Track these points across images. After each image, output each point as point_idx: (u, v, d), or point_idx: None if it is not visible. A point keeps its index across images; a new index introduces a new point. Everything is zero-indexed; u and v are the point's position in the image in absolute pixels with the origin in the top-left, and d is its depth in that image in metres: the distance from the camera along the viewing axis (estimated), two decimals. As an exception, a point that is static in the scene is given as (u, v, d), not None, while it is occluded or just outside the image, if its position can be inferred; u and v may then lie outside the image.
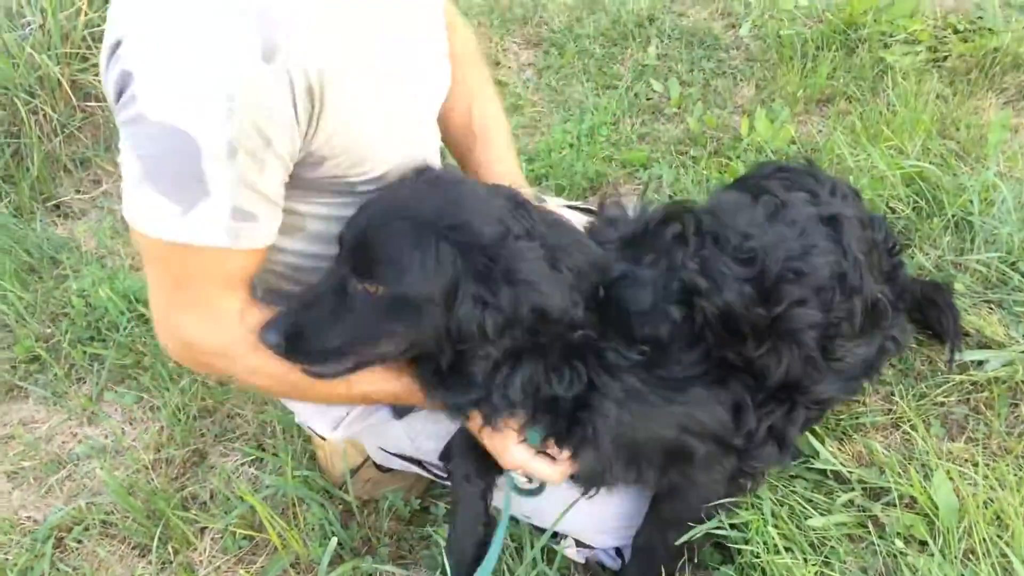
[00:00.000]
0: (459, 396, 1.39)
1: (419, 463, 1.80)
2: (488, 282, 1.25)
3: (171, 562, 1.90)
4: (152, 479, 2.03)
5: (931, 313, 2.05)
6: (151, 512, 1.95)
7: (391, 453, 1.81)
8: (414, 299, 1.27)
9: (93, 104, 2.93)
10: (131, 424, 2.18)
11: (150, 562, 1.90)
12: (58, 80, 2.83)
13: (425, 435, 1.73)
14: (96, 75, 2.91)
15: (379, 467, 1.96)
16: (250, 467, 2.06)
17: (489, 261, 1.25)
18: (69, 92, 2.86)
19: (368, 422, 1.70)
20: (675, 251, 1.45)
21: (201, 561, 1.90)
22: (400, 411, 1.68)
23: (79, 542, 1.94)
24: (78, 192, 2.82)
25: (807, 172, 1.80)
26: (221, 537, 1.93)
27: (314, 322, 1.32)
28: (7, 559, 1.90)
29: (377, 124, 1.35)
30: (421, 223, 1.27)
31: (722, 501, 1.63)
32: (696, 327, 1.42)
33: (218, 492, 2.00)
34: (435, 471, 1.79)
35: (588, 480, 1.57)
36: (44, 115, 2.81)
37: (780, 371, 1.50)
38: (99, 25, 2.92)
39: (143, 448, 2.10)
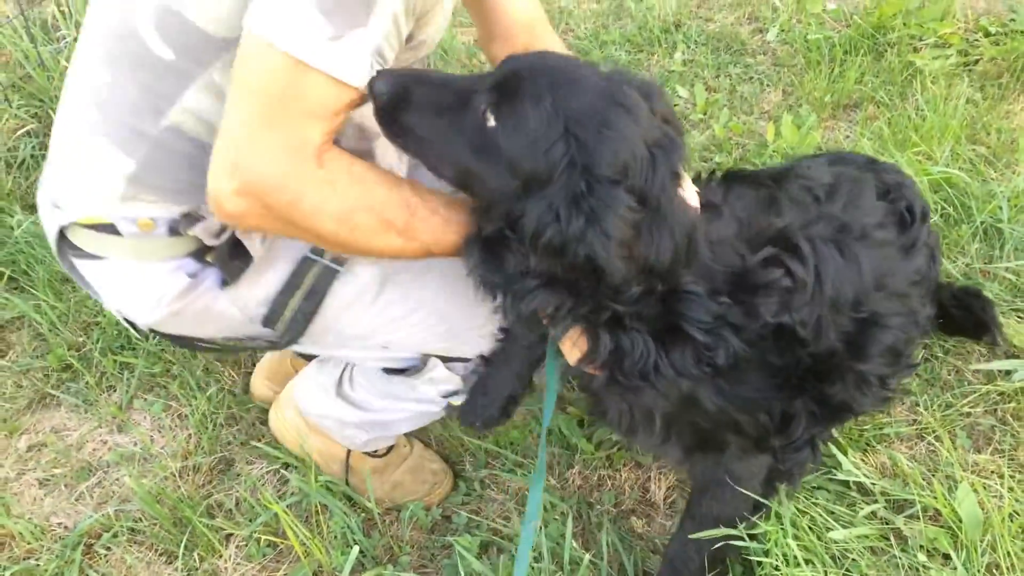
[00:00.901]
0: (485, 271, 1.33)
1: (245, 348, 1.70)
2: (572, 204, 1.17)
3: (197, 569, 1.92)
4: (179, 487, 2.06)
5: (975, 304, 2.02)
6: (178, 519, 1.98)
7: (224, 341, 1.65)
8: (507, 156, 1.22)
9: (126, 116, 2.99)
10: (159, 432, 2.21)
11: (177, 569, 1.92)
12: (92, 92, 2.89)
13: (256, 302, 1.56)
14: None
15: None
16: (275, 475, 2.08)
17: (587, 189, 1.17)
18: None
19: (190, 298, 1.51)
20: (770, 297, 1.36)
21: (226, 568, 1.92)
22: (231, 274, 1.52)
23: (108, 549, 1.97)
24: (111, 202, 2.87)
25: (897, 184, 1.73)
26: (246, 544, 1.95)
27: (420, 101, 1.27)
28: (38, 565, 1.94)
29: None
30: (567, 111, 1.20)
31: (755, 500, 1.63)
32: (783, 365, 1.42)
33: (243, 500, 2.03)
34: (258, 344, 1.66)
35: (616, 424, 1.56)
36: (79, 127, 2.87)
37: (840, 399, 1.52)
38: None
39: (171, 456, 2.13)
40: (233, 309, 1.54)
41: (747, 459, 1.55)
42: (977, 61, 2.94)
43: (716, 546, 1.63)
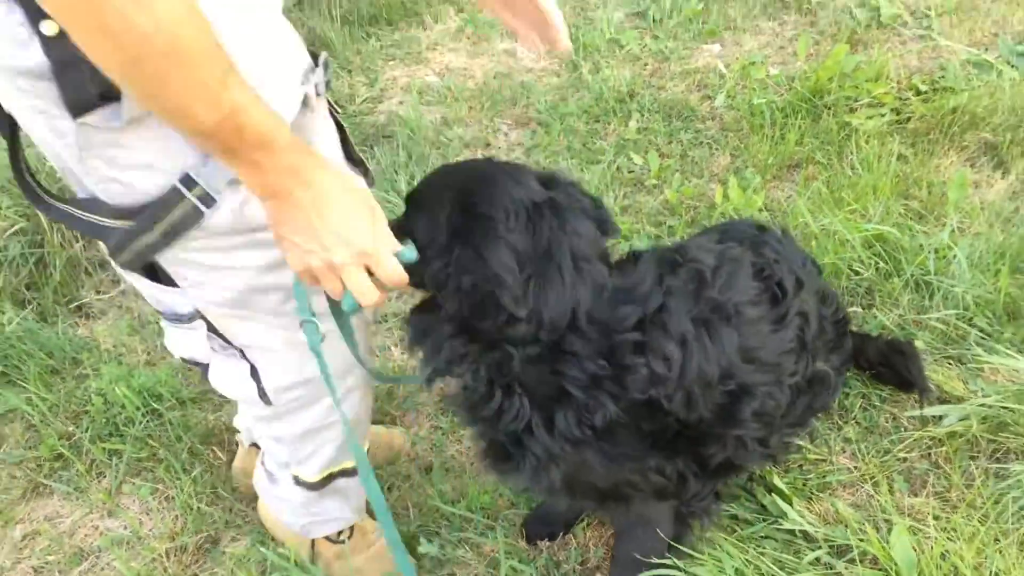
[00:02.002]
0: (419, 327, 1.52)
1: None
2: (455, 238, 1.39)
3: (187, 650, 2.02)
4: (166, 567, 2.16)
5: (898, 362, 2.17)
6: (167, 600, 2.08)
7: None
8: (419, 244, 1.41)
9: (109, 210, 3.14)
10: (147, 515, 2.32)
11: (168, 648, 2.02)
12: (76, 190, 3.04)
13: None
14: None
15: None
16: (258, 552, 2.18)
17: (467, 223, 1.39)
18: (87, 201, 3.07)
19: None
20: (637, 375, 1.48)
21: (214, 644, 2.02)
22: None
23: (103, 631, 2.07)
24: (98, 293, 3.00)
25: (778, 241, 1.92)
26: (232, 621, 2.06)
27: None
28: (35, 650, 2.04)
29: None
30: (454, 185, 1.46)
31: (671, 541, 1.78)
32: (652, 430, 1.55)
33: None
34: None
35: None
36: (64, 223, 3.02)
37: (721, 459, 1.67)
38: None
39: (157, 538, 2.23)
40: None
41: (653, 505, 1.69)
42: (909, 119, 3.11)
43: None
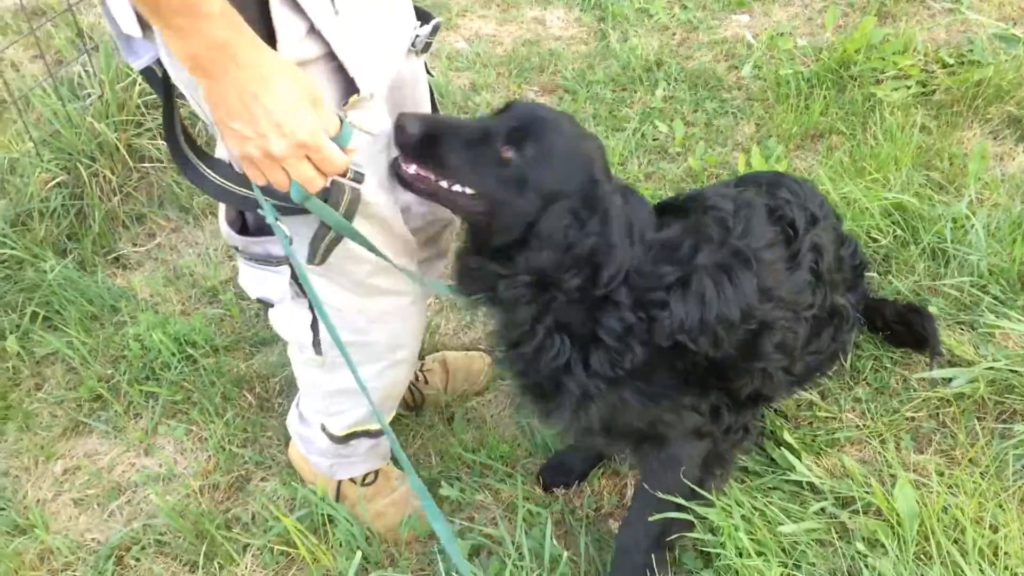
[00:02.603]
0: (492, 267, 1.63)
1: None
2: (589, 208, 1.54)
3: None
4: (200, 503, 2.27)
5: (914, 320, 2.24)
6: (199, 532, 2.17)
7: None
8: (534, 182, 1.55)
9: (147, 165, 3.23)
10: (182, 454, 2.43)
11: (199, 578, 2.13)
12: (116, 145, 3.13)
13: None
14: (151, 138, 3.23)
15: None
16: (286, 490, 2.28)
17: (594, 198, 1.55)
18: (126, 156, 3.17)
19: None
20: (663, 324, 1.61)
21: (243, 575, 2.13)
22: None
23: (137, 560, 2.17)
24: (135, 246, 3.11)
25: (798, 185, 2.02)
26: (261, 553, 2.15)
27: (450, 140, 1.57)
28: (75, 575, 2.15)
29: None
30: (575, 144, 1.61)
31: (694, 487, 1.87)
32: (683, 367, 1.67)
33: (257, 513, 2.23)
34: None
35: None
36: (104, 177, 3.11)
37: (750, 391, 1.78)
38: (151, 94, 3.23)
39: (192, 475, 2.34)
40: None
41: (687, 445, 1.80)
42: (934, 91, 3.14)
43: (662, 530, 1.87)
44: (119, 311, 2.79)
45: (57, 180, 3.01)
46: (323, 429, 2.02)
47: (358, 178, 1.42)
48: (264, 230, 1.62)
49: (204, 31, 1.17)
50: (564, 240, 1.54)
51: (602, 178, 1.59)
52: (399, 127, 1.54)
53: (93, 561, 2.17)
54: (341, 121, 1.36)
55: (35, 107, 3.26)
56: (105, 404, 2.54)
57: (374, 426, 2.01)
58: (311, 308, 1.73)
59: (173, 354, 2.59)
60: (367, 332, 1.75)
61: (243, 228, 1.67)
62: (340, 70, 1.40)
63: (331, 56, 1.37)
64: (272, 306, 1.79)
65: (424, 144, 1.56)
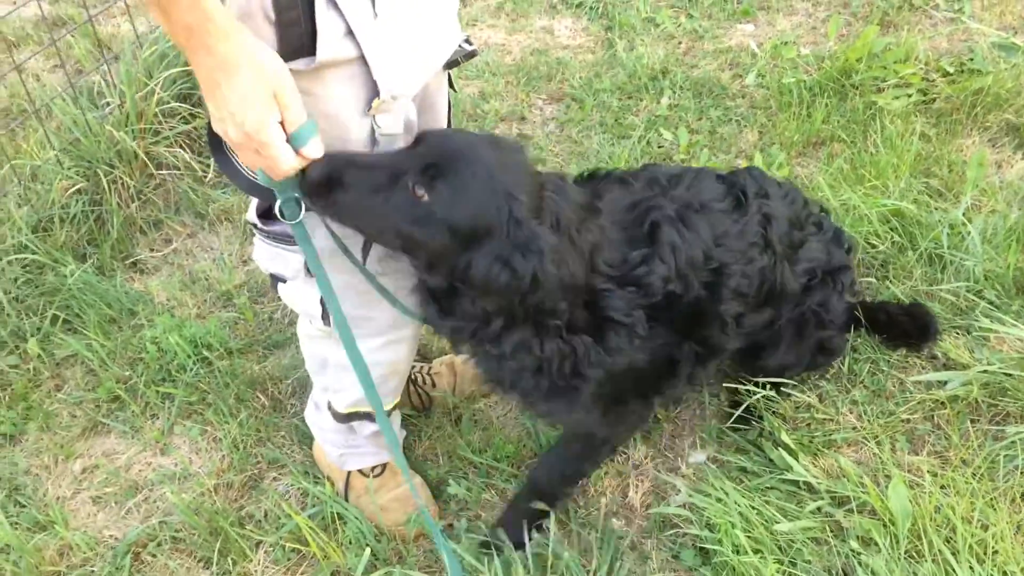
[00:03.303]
0: (448, 323, 1.68)
1: None
2: (517, 249, 1.48)
3: (231, 572, 2.18)
4: (214, 501, 2.33)
5: (916, 312, 2.34)
6: (213, 529, 2.23)
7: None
8: (447, 223, 1.49)
9: (164, 173, 3.31)
10: (197, 454, 2.50)
11: (213, 573, 2.18)
12: (134, 153, 3.22)
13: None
14: (167, 146, 3.31)
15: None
16: (297, 489, 2.35)
17: (523, 234, 1.49)
18: (144, 163, 3.25)
19: None
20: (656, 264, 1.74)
21: (256, 571, 2.18)
22: None
23: (153, 556, 2.24)
24: (152, 251, 3.19)
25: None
26: (273, 550, 2.21)
27: (353, 183, 1.50)
28: (93, 571, 2.21)
29: None
30: (493, 178, 1.51)
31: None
32: (672, 316, 1.78)
33: (270, 511, 2.30)
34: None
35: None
36: (122, 184, 3.19)
37: (714, 341, 1.93)
38: (169, 103, 3.32)
39: (207, 474, 2.41)
40: None
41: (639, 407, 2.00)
42: (934, 100, 3.18)
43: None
44: (136, 314, 2.87)
45: (77, 187, 3.09)
46: (329, 407, 2.11)
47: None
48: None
49: (173, 15, 1.23)
50: (499, 285, 1.50)
51: (521, 214, 1.49)
52: (303, 172, 1.49)
53: (111, 557, 2.24)
54: (308, 121, 1.39)
55: (56, 116, 3.35)
56: (123, 405, 2.62)
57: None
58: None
59: (189, 356, 2.66)
60: (369, 307, 1.82)
61: (266, 211, 1.76)
62: (366, 71, 1.48)
63: (365, 58, 1.46)
64: (283, 281, 1.86)
65: (325, 189, 1.50)
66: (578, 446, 2.06)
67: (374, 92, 1.51)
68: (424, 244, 1.55)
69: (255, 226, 1.79)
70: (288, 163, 1.40)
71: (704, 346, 1.90)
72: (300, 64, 1.42)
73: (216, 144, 1.56)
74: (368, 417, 2.10)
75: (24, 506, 2.37)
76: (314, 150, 1.42)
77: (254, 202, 1.77)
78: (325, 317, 1.86)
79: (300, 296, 1.87)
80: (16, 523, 2.31)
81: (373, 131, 1.56)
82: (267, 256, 1.83)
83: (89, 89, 3.45)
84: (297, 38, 1.40)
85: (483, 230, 1.50)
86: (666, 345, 1.81)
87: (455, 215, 1.50)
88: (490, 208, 1.49)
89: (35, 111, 3.20)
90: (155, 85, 3.28)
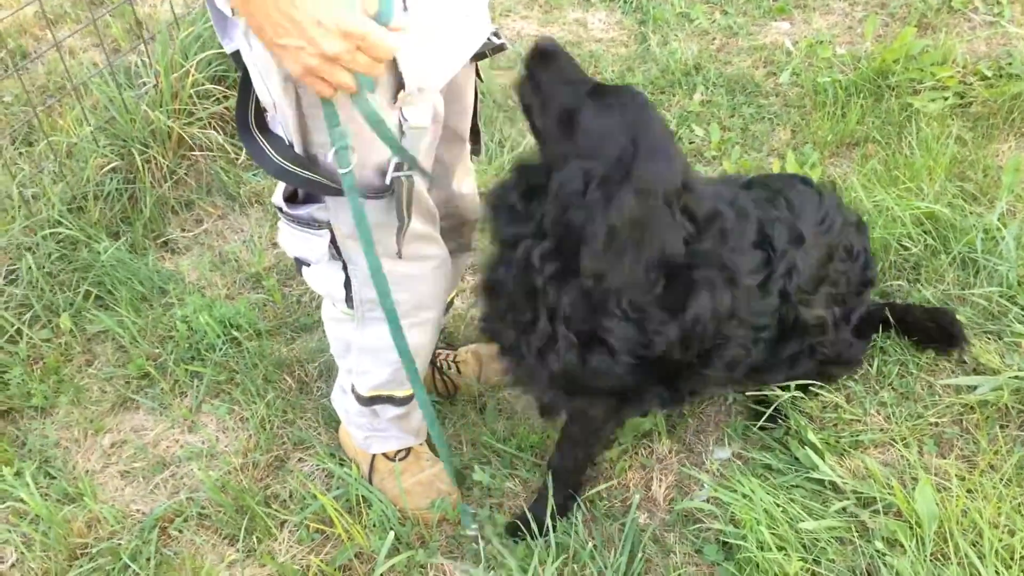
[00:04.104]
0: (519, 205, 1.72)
1: None
2: (602, 183, 1.55)
3: (255, 550, 2.20)
4: (240, 479, 2.36)
5: (942, 319, 2.31)
6: (239, 507, 2.26)
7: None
8: (580, 130, 1.59)
9: (197, 153, 3.34)
10: (224, 432, 2.53)
11: (238, 550, 2.20)
12: (168, 133, 3.25)
13: None
14: (201, 127, 3.34)
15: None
16: (322, 471, 2.37)
17: (618, 181, 1.55)
18: (178, 143, 3.28)
19: None
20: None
21: (280, 550, 2.21)
22: None
23: (179, 531, 2.26)
24: (183, 231, 3.22)
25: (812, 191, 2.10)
26: (297, 530, 2.23)
27: (562, 68, 1.68)
28: (120, 544, 2.24)
29: None
30: (637, 129, 1.59)
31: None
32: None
33: (295, 491, 2.32)
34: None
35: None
36: (156, 164, 3.22)
37: (688, 389, 1.98)
38: (203, 84, 3.35)
39: (233, 453, 2.44)
40: None
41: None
42: (971, 103, 3.16)
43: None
44: (167, 293, 2.90)
45: (112, 165, 3.13)
46: (352, 390, 2.13)
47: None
48: (311, 199, 1.76)
49: None
50: (564, 195, 1.58)
51: (638, 181, 1.54)
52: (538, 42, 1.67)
53: (138, 531, 2.27)
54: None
55: (92, 94, 3.38)
56: (152, 382, 2.65)
57: (398, 392, 2.10)
58: (344, 268, 1.85)
59: (218, 336, 2.69)
60: (395, 290, 1.82)
61: (292, 196, 1.79)
62: (393, 66, 1.49)
63: None
64: (308, 265, 1.89)
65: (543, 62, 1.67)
66: (577, 428, 2.08)
67: (400, 84, 1.51)
68: (555, 136, 1.63)
69: (280, 209, 1.81)
70: (390, 41, 1.35)
71: (675, 391, 1.94)
72: None
73: (244, 126, 1.59)
74: (390, 401, 2.12)
75: (54, 478, 2.41)
76: (399, 19, 1.39)
77: (280, 186, 1.79)
78: (349, 300, 1.89)
79: (324, 279, 1.90)
80: (46, 494, 2.35)
81: (400, 124, 1.57)
82: (292, 240, 1.86)
83: (126, 69, 3.48)
84: None
85: (594, 153, 1.58)
86: (625, 380, 1.82)
87: (588, 128, 1.59)
88: (612, 141, 1.57)
89: (73, 88, 3.23)
90: (190, 66, 3.31)
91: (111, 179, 3.13)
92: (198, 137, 3.33)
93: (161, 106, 3.26)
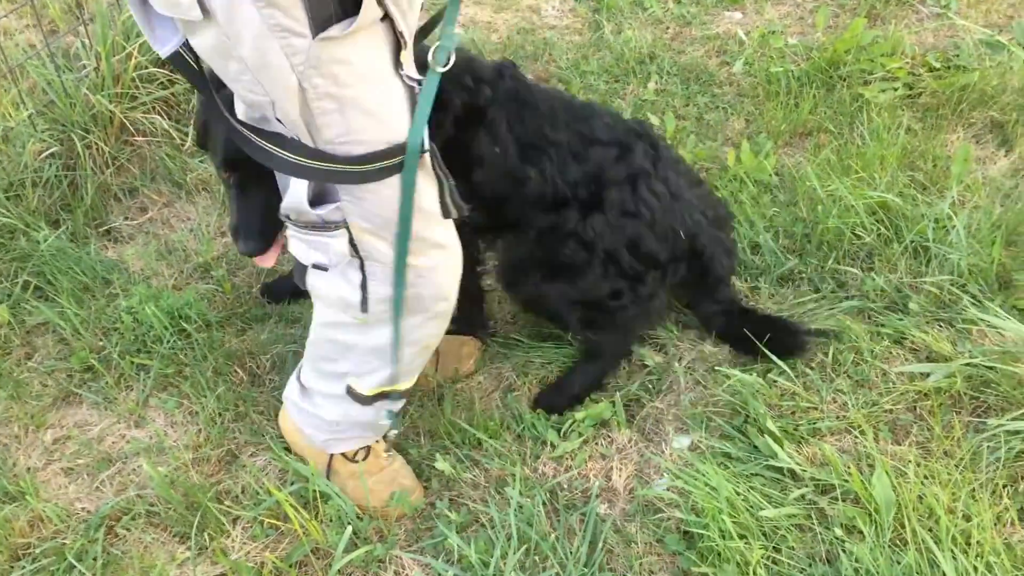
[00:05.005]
0: None
1: None
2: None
3: (207, 548, 2.14)
4: (191, 475, 2.29)
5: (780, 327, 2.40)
6: (190, 504, 2.19)
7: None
8: None
9: (140, 139, 3.24)
10: (172, 427, 2.45)
11: (189, 548, 2.14)
12: (110, 118, 3.14)
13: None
14: (144, 112, 3.23)
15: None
16: (276, 466, 2.31)
17: None
18: (121, 128, 3.18)
19: None
20: None
21: (233, 547, 2.15)
22: None
23: (127, 530, 2.19)
24: (126, 219, 3.11)
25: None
26: (251, 526, 2.18)
27: None
28: (65, 543, 2.16)
29: None
30: None
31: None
32: None
33: (248, 487, 2.26)
34: None
35: None
36: (97, 149, 3.11)
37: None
38: (147, 68, 3.24)
39: (183, 448, 2.37)
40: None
41: None
42: (920, 94, 3.21)
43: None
44: (111, 283, 2.81)
45: (51, 151, 3.02)
46: (349, 391, 2.05)
47: None
48: (323, 198, 1.69)
49: None
50: None
51: None
52: None
53: (83, 529, 2.19)
54: None
55: (29, 76, 3.25)
56: (96, 375, 2.56)
57: (401, 384, 2.05)
58: (361, 268, 1.77)
59: (166, 327, 2.61)
60: (416, 285, 1.79)
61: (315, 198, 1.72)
62: (389, 27, 1.47)
63: (385, 15, 1.45)
64: (325, 270, 1.82)
65: None
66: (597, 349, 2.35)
67: (395, 47, 1.50)
68: None
69: (287, 218, 1.75)
70: None
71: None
72: (335, 31, 1.39)
73: (234, 129, 1.56)
74: (391, 396, 2.07)
75: (-7, 476, 2.31)
76: None
77: (291, 196, 1.70)
78: (364, 303, 1.83)
79: (339, 283, 1.84)
80: (-15, 493, 2.25)
81: (408, 85, 1.55)
82: (305, 248, 1.79)
83: (65, 51, 3.36)
84: (325, 7, 1.37)
85: None
86: None
87: None
88: None
89: (9, 70, 3.10)
90: (133, 49, 3.21)
91: (50, 165, 3.01)
92: (141, 122, 3.23)
93: (102, 90, 3.15)
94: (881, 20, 3.74)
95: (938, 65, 3.31)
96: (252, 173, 1.85)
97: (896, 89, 3.22)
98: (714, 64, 3.65)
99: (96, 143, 3.10)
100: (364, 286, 1.80)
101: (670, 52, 3.75)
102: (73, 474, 2.35)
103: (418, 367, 2.08)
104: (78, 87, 3.12)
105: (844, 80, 3.29)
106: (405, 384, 2.06)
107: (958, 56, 3.33)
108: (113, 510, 2.23)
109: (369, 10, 1.39)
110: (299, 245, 1.80)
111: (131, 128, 3.20)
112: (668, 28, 3.93)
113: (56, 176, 3.02)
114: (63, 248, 2.84)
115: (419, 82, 1.56)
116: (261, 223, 1.98)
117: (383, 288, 1.80)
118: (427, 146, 1.60)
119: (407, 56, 1.53)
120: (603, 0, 4.05)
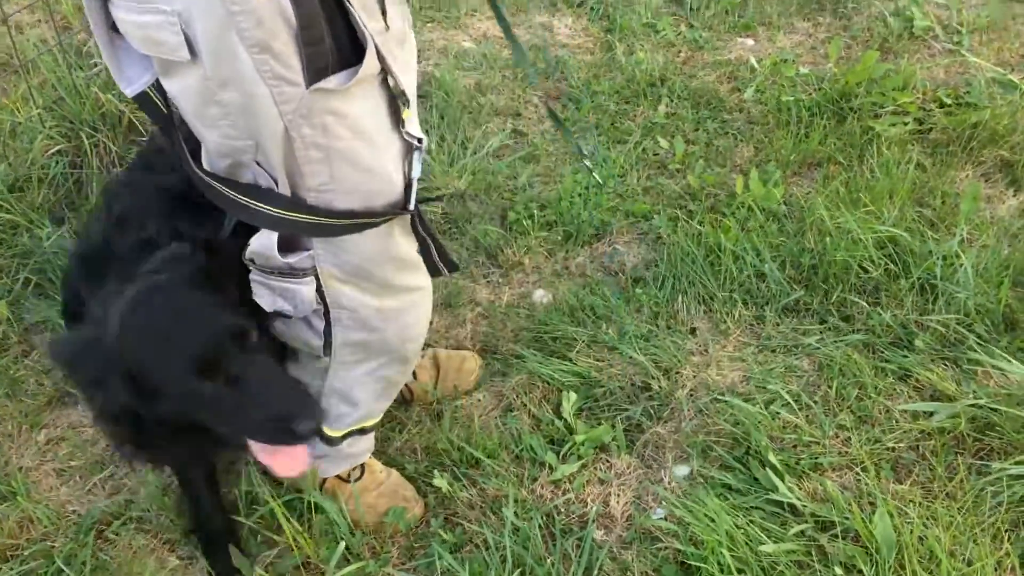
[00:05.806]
0: None
1: None
2: None
3: (196, 556, 2.13)
4: (186, 482, 2.27)
5: None
6: (181, 510, 2.18)
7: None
8: None
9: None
10: (168, 432, 2.43)
11: (179, 556, 2.12)
12: (119, 117, 3.13)
13: None
14: (151, 113, 3.21)
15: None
16: (270, 477, 2.29)
17: None
18: (130, 128, 3.17)
19: None
20: None
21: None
22: None
23: (117, 535, 2.16)
24: (130, 219, 3.10)
25: None
26: (242, 536, 2.16)
27: None
28: (54, 546, 2.14)
29: None
30: None
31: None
32: None
33: (242, 495, 2.24)
34: None
35: None
36: (104, 148, 3.10)
37: None
38: (157, 68, 3.23)
39: (178, 454, 2.35)
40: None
41: None
42: (930, 130, 3.21)
43: None
44: (112, 284, 2.78)
45: (58, 147, 3.01)
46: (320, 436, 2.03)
47: None
48: (293, 245, 1.65)
49: None
50: None
51: None
52: None
53: (73, 532, 2.17)
54: None
55: (40, 72, 3.24)
56: (93, 376, 2.53)
57: (369, 421, 2.05)
58: (325, 315, 1.75)
59: (165, 331, 2.58)
60: (381, 329, 1.78)
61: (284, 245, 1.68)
62: (385, 84, 1.46)
63: (383, 72, 1.43)
64: (289, 317, 1.77)
65: None
66: None
67: (392, 105, 1.48)
68: None
69: (252, 262, 1.67)
70: None
71: None
72: (332, 83, 1.37)
73: (209, 187, 1.53)
74: (361, 432, 2.06)
75: (-15, 475, 2.29)
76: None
77: (259, 241, 1.63)
78: (327, 346, 1.81)
79: (305, 330, 1.82)
80: (-24, 492, 2.23)
81: (408, 143, 1.54)
82: (269, 295, 1.71)
83: (77, 48, 3.35)
84: (321, 57, 1.35)
85: None
86: None
87: None
88: None
89: (21, 65, 3.09)
90: (146, 49, 3.19)
91: (57, 162, 3.00)
92: (148, 122, 3.21)
93: (113, 88, 3.14)
94: (893, 54, 3.75)
95: (949, 101, 3.32)
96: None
97: (907, 123, 3.21)
98: (725, 90, 3.65)
99: (104, 142, 3.09)
100: (327, 331, 1.78)
101: (681, 76, 3.75)
102: (65, 476, 2.33)
103: (383, 407, 2.08)
104: (89, 85, 3.12)
105: (855, 112, 3.29)
106: (370, 421, 2.06)
107: (969, 93, 3.33)
108: (104, 514, 2.21)
109: (369, 64, 1.38)
110: (263, 291, 1.72)
111: (140, 128, 3.19)
112: (680, 52, 3.93)
113: (62, 173, 3.01)
114: (66, 246, 2.82)
115: (420, 140, 1.55)
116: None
117: (348, 333, 1.78)
118: (411, 207, 1.59)
119: (410, 114, 1.51)
120: (616, 20, 4.06)
